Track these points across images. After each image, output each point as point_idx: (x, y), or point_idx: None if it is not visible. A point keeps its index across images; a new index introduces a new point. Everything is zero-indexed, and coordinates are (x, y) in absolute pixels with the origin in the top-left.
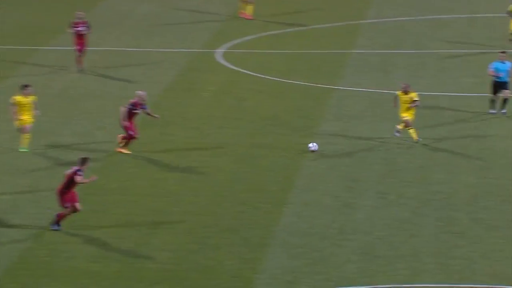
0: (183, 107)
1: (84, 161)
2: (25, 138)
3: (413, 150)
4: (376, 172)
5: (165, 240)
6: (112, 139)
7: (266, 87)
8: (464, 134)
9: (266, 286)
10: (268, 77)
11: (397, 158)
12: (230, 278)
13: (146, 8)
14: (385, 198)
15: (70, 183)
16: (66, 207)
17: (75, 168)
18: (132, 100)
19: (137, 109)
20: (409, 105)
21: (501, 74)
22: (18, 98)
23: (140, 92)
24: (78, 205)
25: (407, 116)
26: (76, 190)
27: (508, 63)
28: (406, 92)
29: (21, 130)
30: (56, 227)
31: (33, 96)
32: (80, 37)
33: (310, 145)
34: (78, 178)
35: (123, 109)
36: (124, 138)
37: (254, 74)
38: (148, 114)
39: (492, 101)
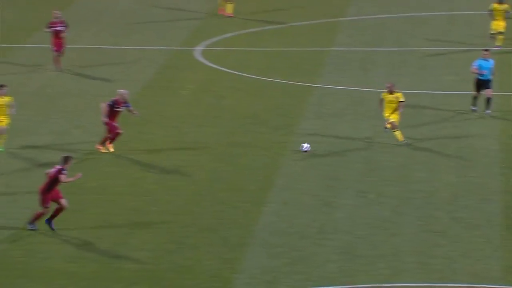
0: (162, 105)
1: (67, 159)
2: (1, 139)
3: (393, 148)
4: (357, 171)
5: (143, 239)
6: (89, 138)
7: (246, 85)
8: (444, 133)
9: (245, 286)
10: (247, 75)
11: (377, 157)
12: (209, 278)
13: (124, 5)
14: (365, 197)
15: (53, 182)
16: (46, 207)
17: (58, 167)
18: (113, 98)
19: (119, 107)
20: (396, 107)
21: (485, 72)
22: None
23: (122, 90)
24: (64, 201)
25: (393, 118)
26: (59, 188)
27: (491, 61)
28: (391, 92)
29: None
30: (32, 227)
31: (9, 97)
32: (57, 36)
33: (304, 145)
34: (62, 177)
35: (103, 105)
36: (107, 136)
37: (233, 72)
38: (129, 111)
39: (475, 98)
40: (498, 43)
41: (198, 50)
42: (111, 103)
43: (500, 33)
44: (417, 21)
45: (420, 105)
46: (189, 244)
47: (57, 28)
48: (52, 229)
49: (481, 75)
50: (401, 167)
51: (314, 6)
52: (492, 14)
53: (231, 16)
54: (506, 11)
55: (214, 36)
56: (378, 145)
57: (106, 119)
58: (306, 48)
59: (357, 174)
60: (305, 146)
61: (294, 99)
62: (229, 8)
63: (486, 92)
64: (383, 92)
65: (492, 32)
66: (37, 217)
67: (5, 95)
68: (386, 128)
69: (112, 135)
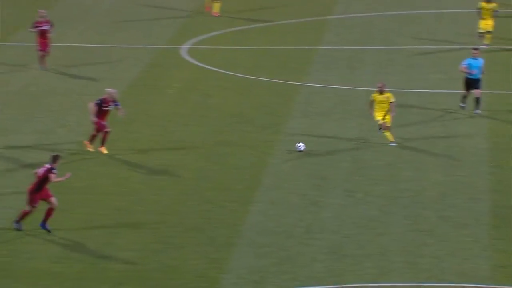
0: (148, 104)
1: (55, 158)
2: None
3: (380, 147)
4: (344, 170)
5: (129, 239)
6: (75, 137)
7: (232, 83)
8: (432, 131)
9: (232, 286)
10: (233, 73)
11: (364, 156)
12: (195, 278)
13: (109, 3)
14: (352, 196)
15: (43, 182)
16: (33, 206)
17: (48, 166)
18: (101, 97)
19: (108, 106)
20: (387, 108)
21: (474, 71)
22: None
23: (110, 89)
24: (54, 199)
25: (383, 120)
26: (48, 187)
27: (480, 60)
28: (381, 92)
29: None
30: (18, 226)
31: None
32: (43, 36)
33: (299, 144)
34: (52, 177)
35: (91, 105)
36: (94, 136)
37: (220, 70)
38: (118, 110)
39: (464, 97)
40: (486, 41)
41: (184, 49)
42: (98, 102)
43: (488, 32)
44: (405, 20)
45: (407, 104)
46: (176, 244)
47: (42, 28)
48: (49, 231)
49: (471, 74)
50: (388, 166)
51: (301, 4)
52: (480, 13)
53: (218, 16)
54: (494, 10)
55: (201, 35)
56: (365, 144)
57: (95, 119)
58: (293, 47)
59: (345, 173)
60: (301, 146)
61: (281, 98)
62: (216, 7)
63: (475, 92)
64: (371, 91)
65: (480, 31)
66: (23, 215)
67: None
68: (380, 129)
69: (102, 136)
